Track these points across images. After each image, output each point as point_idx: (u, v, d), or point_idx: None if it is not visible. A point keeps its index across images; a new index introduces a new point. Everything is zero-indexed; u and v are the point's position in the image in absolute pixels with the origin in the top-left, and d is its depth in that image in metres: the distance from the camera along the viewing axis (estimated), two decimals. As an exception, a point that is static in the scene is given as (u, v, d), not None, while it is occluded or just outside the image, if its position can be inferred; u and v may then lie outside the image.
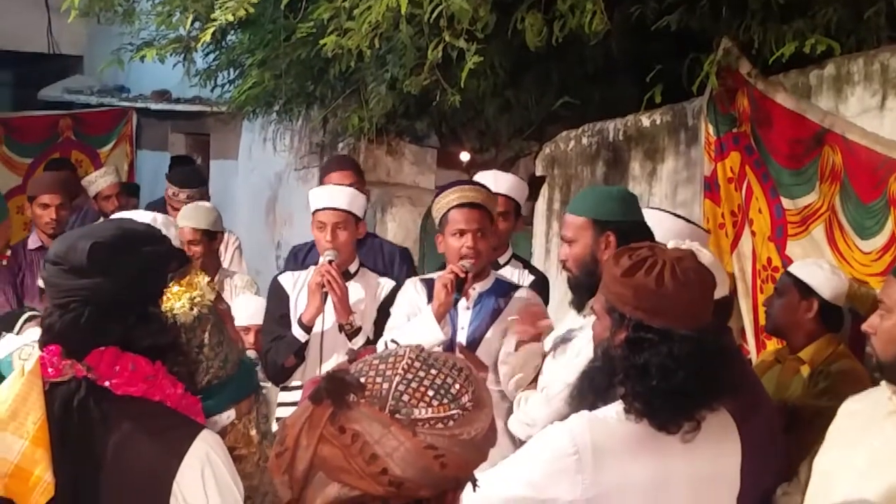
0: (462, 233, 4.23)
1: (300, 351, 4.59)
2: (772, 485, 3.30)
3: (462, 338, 4.26)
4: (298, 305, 4.68)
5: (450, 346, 4.21)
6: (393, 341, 4.19)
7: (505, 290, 4.35)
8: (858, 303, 4.34)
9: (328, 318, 4.58)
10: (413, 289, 4.42)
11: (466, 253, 4.21)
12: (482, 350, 4.19)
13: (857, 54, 4.70)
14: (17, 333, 5.12)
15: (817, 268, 4.26)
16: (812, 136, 4.71)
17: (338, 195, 4.71)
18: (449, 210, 4.27)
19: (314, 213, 4.68)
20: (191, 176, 6.88)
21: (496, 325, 4.24)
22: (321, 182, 5.53)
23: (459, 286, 4.16)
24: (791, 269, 4.36)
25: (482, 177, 5.02)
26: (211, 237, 5.59)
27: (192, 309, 2.61)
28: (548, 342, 4.06)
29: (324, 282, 4.48)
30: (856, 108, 4.62)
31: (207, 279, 5.30)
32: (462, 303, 4.28)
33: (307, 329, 4.56)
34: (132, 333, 2.34)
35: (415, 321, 4.24)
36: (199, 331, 2.64)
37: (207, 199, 6.70)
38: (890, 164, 4.30)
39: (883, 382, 2.93)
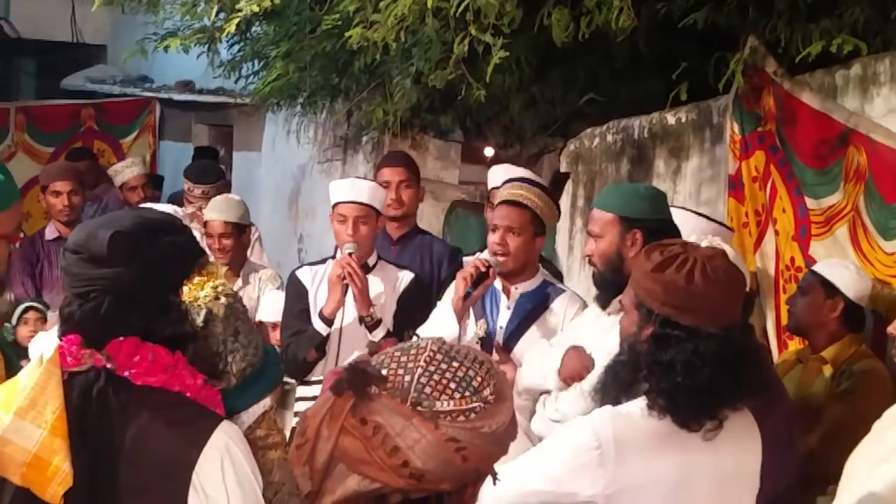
0: (495, 228, 4.22)
1: (321, 345, 4.57)
2: (788, 484, 3.27)
3: (500, 337, 4.24)
4: (318, 300, 4.67)
5: (489, 344, 4.20)
6: (415, 334, 4.18)
7: (548, 293, 4.31)
8: (881, 304, 4.33)
9: (348, 311, 4.57)
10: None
11: (494, 249, 4.20)
12: (518, 351, 4.17)
13: (883, 54, 4.67)
14: (15, 325, 5.26)
15: (843, 268, 4.28)
16: (837, 136, 4.68)
17: (360, 188, 4.69)
18: (497, 205, 4.30)
19: (335, 205, 4.66)
20: (207, 171, 6.84)
21: (534, 328, 4.22)
22: (374, 177, 5.50)
23: (479, 281, 4.14)
24: (816, 268, 4.38)
25: (495, 171, 5.03)
26: (241, 230, 5.58)
27: (218, 298, 2.60)
28: (563, 337, 4.03)
29: (344, 274, 4.47)
30: (882, 109, 4.59)
31: (225, 268, 5.28)
32: (503, 301, 4.27)
33: (328, 322, 4.54)
34: (152, 323, 2.32)
35: (436, 313, 4.24)
36: (232, 318, 2.63)
37: (228, 191, 6.68)
38: (915, 166, 4.27)
39: None
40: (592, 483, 2.45)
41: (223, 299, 2.58)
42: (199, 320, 2.54)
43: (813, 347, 4.31)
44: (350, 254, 4.53)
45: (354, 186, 4.73)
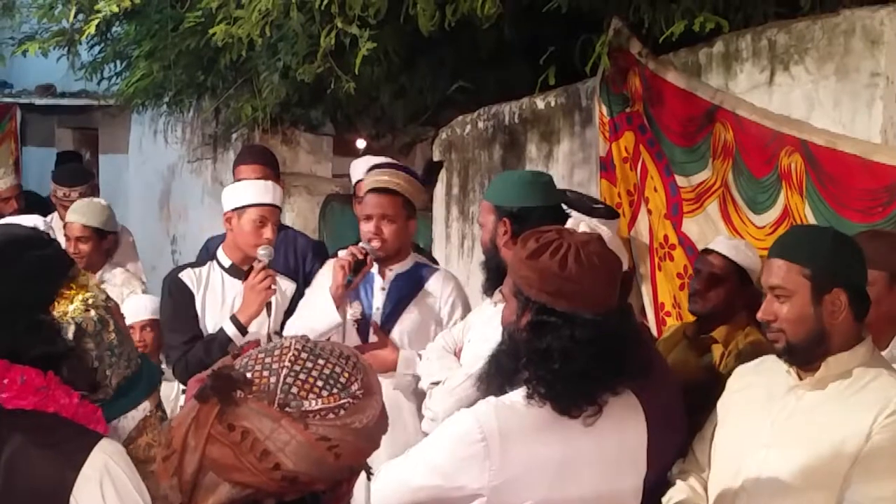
0: (369, 217, 4.20)
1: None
2: (672, 461, 3.30)
3: (377, 318, 4.22)
4: (205, 303, 4.50)
5: (365, 327, 4.18)
6: (278, 334, 4.11)
7: (422, 273, 4.32)
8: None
9: (263, 323, 4.43)
10: (329, 270, 4.35)
11: (370, 237, 4.18)
12: (396, 332, 4.17)
13: (744, 31, 4.74)
14: None
15: (755, 256, 4.15)
16: (703, 114, 4.75)
17: (273, 191, 4.50)
18: (365, 194, 4.27)
19: (247, 207, 4.46)
20: (77, 173, 6.66)
21: (410, 308, 4.22)
22: (233, 174, 5.36)
23: (357, 268, 4.11)
24: (728, 254, 4.17)
25: (356, 165, 5.00)
26: (101, 235, 5.41)
27: (88, 311, 2.51)
28: (457, 329, 4.03)
29: (264, 287, 4.34)
30: (745, 85, 4.66)
31: (95, 280, 5.12)
32: (378, 283, 4.26)
33: (243, 329, 4.39)
34: (21, 344, 2.23)
35: (313, 303, 4.19)
36: (104, 333, 2.54)
37: (97, 194, 6.53)
38: (780, 139, 4.35)
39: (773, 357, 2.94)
40: (479, 475, 2.44)
41: (93, 312, 2.50)
42: (69, 337, 2.46)
43: (706, 326, 4.19)
44: (265, 260, 4.38)
45: (268, 189, 4.54)
